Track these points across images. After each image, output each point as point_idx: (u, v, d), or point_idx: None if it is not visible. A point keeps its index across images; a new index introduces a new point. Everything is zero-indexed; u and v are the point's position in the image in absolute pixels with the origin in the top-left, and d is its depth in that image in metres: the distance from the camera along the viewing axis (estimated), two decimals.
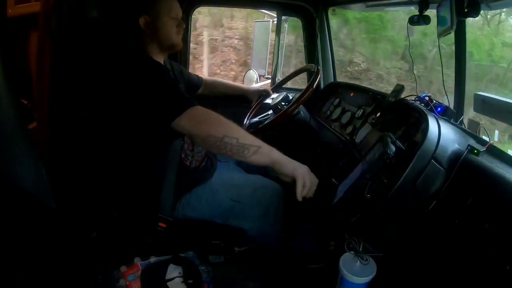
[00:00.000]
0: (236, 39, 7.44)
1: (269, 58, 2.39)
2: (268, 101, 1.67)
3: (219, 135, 0.98)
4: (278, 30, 2.06)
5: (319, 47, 1.96)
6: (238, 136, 1.00)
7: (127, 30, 1.19)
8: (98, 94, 1.14)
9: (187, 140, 1.22)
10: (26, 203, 0.63)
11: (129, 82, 1.07)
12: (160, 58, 1.24)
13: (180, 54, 1.91)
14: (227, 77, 6.76)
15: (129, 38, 1.20)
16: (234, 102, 1.75)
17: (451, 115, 1.11)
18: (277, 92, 1.72)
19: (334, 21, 1.95)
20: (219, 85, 1.74)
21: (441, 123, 0.91)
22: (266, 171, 1.57)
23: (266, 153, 1.02)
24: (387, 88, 5.58)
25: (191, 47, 2.19)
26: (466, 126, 1.13)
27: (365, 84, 6.14)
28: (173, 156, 1.17)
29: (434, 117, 0.95)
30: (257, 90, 1.78)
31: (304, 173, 1.02)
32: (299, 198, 1.01)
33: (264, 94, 1.73)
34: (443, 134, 0.87)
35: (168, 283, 1.06)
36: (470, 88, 1.21)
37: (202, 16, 6.95)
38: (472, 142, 0.89)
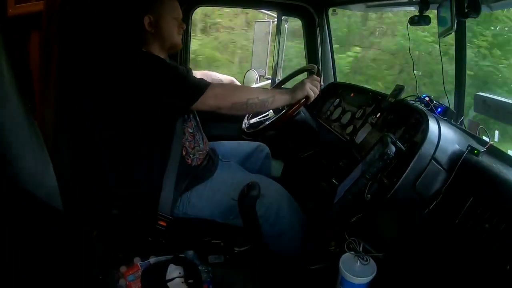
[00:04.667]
0: None
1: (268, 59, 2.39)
2: None
3: (243, 99, 1.16)
4: (278, 30, 2.06)
5: (319, 47, 1.97)
6: (257, 94, 1.19)
7: (131, 29, 1.20)
8: (104, 93, 1.14)
9: (189, 138, 1.22)
10: (31, 202, 0.63)
11: (143, 77, 1.11)
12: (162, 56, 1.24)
13: (181, 54, 1.91)
14: None
15: (133, 37, 1.21)
16: None
17: (451, 115, 1.11)
18: None
19: None
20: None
21: (441, 123, 0.91)
22: (267, 171, 1.58)
23: (280, 99, 1.23)
24: None
25: None
26: (467, 127, 1.13)
27: None
28: (174, 154, 1.17)
29: (434, 117, 0.95)
30: None
31: (308, 88, 1.24)
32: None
33: None
34: (443, 135, 0.87)
35: (168, 284, 1.06)
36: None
37: None
38: (472, 142, 0.89)
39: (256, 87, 1.18)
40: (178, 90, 1.12)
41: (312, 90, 1.24)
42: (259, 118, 1.59)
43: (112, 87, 1.13)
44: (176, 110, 1.18)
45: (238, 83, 1.74)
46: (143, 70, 1.11)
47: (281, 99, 1.23)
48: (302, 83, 1.25)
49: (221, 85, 1.23)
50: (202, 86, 1.13)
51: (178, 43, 1.25)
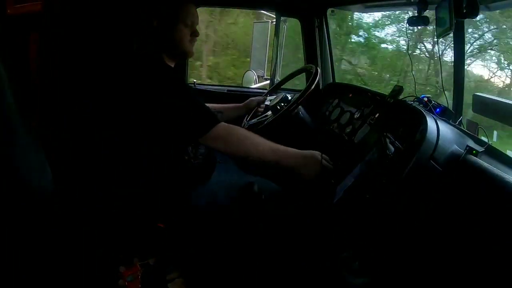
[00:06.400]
0: None
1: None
2: (267, 102, 1.67)
3: (241, 153, 1.07)
4: (277, 31, 2.06)
5: (318, 48, 1.97)
6: (260, 155, 1.07)
7: (140, 33, 1.18)
8: (106, 94, 1.14)
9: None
10: (31, 202, 0.63)
11: (151, 92, 1.07)
12: (171, 64, 1.21)
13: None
14: None
15: (141, 42, 1.18)
16: (233, 103, 1.75)
17: (450, 115, 1.11)
18: (276, 93, 1.72)
19: None
20: None
21: (439, 123, 0.91)
22: (266, 172, 1.58)
23: (285, 164, 1.09)
24: None
25: None
26: (465, 127, 1.14)
27: None
28: (174, 154, 1.17)
29: (433, 117, 0.95)
30: (249, 103, 1.69)
31: (315, 170, 1.09)
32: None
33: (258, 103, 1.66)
34: (441, 135, 0.87)
35: (168, 284, 1.06)
36: None
37: None
38: (470, 142, 0.90)
39: (266, 146, 1.10)
40: (184, 122, 1.07)
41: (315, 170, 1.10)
42: (257, 119, 1.59)
43: (115, 90, 1.12)
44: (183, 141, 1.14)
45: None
46: (157, 83, 1.07)
47: (287, 164, 1.10)
48: (316, 161, 1.10)
49: (228, 127, 1.08)
50: (208, 123, 1.06)
51: (189, 51, 1.21)
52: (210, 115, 1.09)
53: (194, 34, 1.19)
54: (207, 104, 1.63)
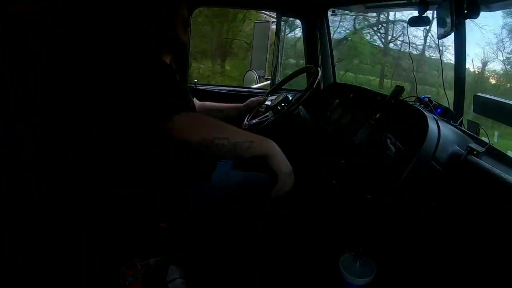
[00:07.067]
0: None
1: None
2: (268, 102, 1.67)
3: (209, 137, 0.95)
4: (278, 31, 2.06)
5: (319, 48, 1.97)
6: (229, 135, 0.97)
7: (135, 30, 1.20)
8: (105, 93, 1.14)
9: None
10: (32, 202, 0.64)
11: (131, 76, 1.05)
12: (166, 58, 1.24)
13: (180, 55, 1.91)
14: None
15: (136, 38, 1.20)
16: (234, 103, 1.75)
17: (451, 116, 1.11)
18: (277, 93, 1.72)
19: None
20: (206, 111, 1.60)
21: (440, 124, 0.91)
22: (267, 171, 1.58)
23: (259, 147, 1.00)
24: None
25: None
26: (466, 127, 1.14)
27: None
28: (174, 154, 1.17)
29: (434, 118, 0.95)
30: (250, 104, 1.66)
31: (287, 175, 1.02)
32: (274, 195, 1.02)
33: (258, 103, 1.66)
34: (442, 135, 0.87)
35: (169, 285, 1.06)
36: None
37: None
38: (471, 143, 0.90)
39: (234, 128, 1.02)
40: (156, 101, 0.98)
41: (285, 182, 1.03)
42: (258, 119, 1.59)
43: (114, 89, 1.12)
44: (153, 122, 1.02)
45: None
46: (139, 72, 1.06)
47: (259, 150, 1.01)
48: (289, 167, 1.03)
49: (195, 116, 1.00)
50: (182, 105, 0.98)
51: (184, 43, 1.24)
52: (176, 101, 0.99)
53: (187, 25, 1.23)
54: (207, 104, 1.65)
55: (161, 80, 1.06)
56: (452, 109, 1.18)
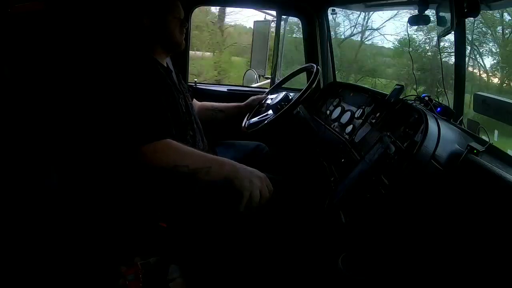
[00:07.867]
0: None
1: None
2: (268, 101, 1.67)
3: (170, 164, 0.99)
4: (277, 30, 2.06)
5: (319, 47, 1.97)
6: (190, 161, 1.01)
7: (131, 30, 1.20)
8: (107, 96, 1.14)
9: (189, 139, 1.22)
10: (32, 202, 0.64)
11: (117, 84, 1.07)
12: (163, 58, 1.25)
13: (180, 54, 1.90)
14: None
15: (133, 38, 1.20)
16: (234, 102, 1.75)
17: (451, 115, 1.11)
18: (277, 92, 1.72)
19: None
20: (206, 111, 1.61)
21: (440, 123, 0.91)
22: (267, 170, 1.58)
23: (217, 171, 1.02)
24: None
25: None
26: (466, 126, 1.14)
27: None
28: None
29: (434, 117, 0.95)
30: (251, 102, 1.68)
31: (252, 191, 1.01)
32: (242, 210, 1.01)
33: (258, 102, 1.66)
34: (442, 134, 0.87)
35: (170, 284, 1.06)
36: None
37: None
38: (471, 142, 0.90)
39: (197, 154, 1.05)
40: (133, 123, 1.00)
41: (252, 193, 1.01)
42: (258, 118, 1.59)
43: (113, 89, 1.12)
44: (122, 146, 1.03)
45: None
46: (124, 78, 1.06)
47: (218, 174, 1.02)
48: (256, 177, 1.03)
49: (158, 143, 1.00)
50: (155, 133, 0.99)
51: (180, 42, 1.24)
52: (157, 125, 1.02)
53: (183, 24, 1.23)
54: (207, 104, 1.65)
55: (138, 105, 1.04)
56: (452, 108, 1.18)
